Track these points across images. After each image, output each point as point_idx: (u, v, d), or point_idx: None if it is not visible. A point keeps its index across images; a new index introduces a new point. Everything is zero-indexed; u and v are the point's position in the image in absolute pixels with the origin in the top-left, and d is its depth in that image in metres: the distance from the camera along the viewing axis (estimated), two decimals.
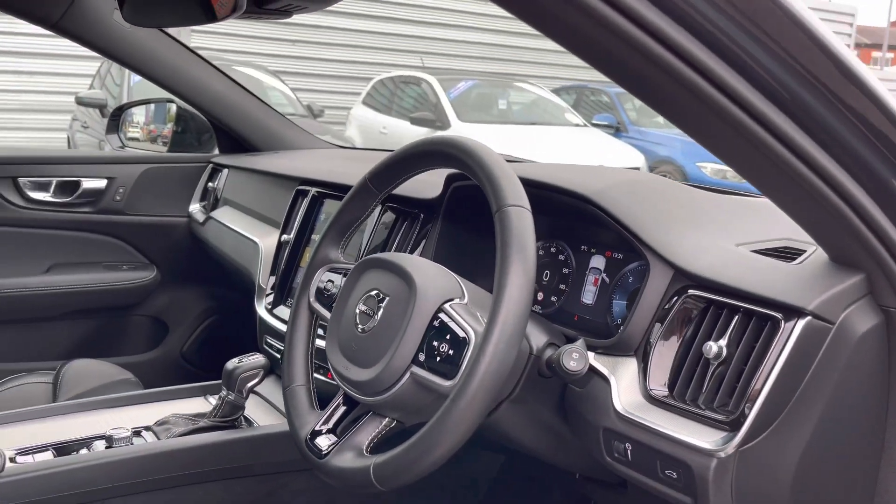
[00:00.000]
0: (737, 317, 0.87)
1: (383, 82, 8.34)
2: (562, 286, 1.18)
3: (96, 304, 2.11)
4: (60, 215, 2.06)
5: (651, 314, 0.95)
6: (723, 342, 0.86)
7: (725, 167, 6.95)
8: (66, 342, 2.11)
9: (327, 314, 1.04)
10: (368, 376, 0.90)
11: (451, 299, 0.90)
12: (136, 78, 6.06)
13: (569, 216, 1.17)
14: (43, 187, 2.04)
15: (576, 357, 0.91)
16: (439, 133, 4.74)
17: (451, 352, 0.86)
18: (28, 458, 1.19)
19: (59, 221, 2.06)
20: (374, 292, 0.95)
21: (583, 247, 1.17)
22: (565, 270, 1.19)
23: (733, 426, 0.83)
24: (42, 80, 8.37)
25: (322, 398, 1.03)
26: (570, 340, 0.96)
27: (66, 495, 1.13)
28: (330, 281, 1.07)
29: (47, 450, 1.22)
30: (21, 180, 2.01)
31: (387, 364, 0.89)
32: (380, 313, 0.93)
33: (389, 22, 10.19)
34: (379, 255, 1.00)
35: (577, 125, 7.89)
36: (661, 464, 0.88)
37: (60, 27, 1.65)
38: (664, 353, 0.92)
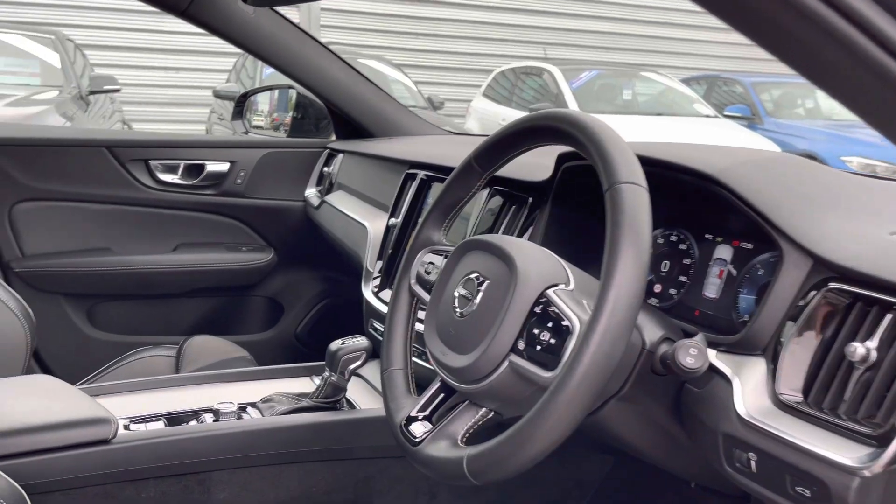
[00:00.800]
0: (889, 315, 0.75)
1: (504, 74, 8.29)
2: (682, 278, 1.09)
3: (218, 283, 2.20)
4: (187, 197, 2.15)
5: (783, 310, 0.84)
6: (871, 344, 0.75)
7: (874, 161, 6.38)
8: (190, 318, 2.21)
9: (427, 297, 1.00)
10: (465, 363, 0.86)
11: (555, 285, 0.84)
12: (268, 71, 6.34)
13: (692, 200, 1.07)
14: (171, 170, 2.15)
15: (693, 353, 0.83)
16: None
17: (552, 341, 0.80)
18: (141, 427, 1.23)
19: (186, 203, 2.16)
20: (473, 275, 0.90)
21: (707, 235, 1.07)
22: (687, 261, 1.09)
23: (882, 441, 0.71)
24: (185, 76, 8.94)
25: (421, 384, 1.00)
26: (689, 336, 0.87)
27: (172, 465, 1.16)
28: (431, 263, 1.03)
29: (160, 419, 1.26)
30: (152, 163, 2.12)
31: (484, 351, 0.84)
32: (479, 297, 0.88)
33: (511, 13, 10.10)
34: (480, 236, 0.95)
35: (708, 116, 7.51)
36: (792, 479, 0.77)
37: (189, 14, 1.72)
38: (798, 354, 0.81)
